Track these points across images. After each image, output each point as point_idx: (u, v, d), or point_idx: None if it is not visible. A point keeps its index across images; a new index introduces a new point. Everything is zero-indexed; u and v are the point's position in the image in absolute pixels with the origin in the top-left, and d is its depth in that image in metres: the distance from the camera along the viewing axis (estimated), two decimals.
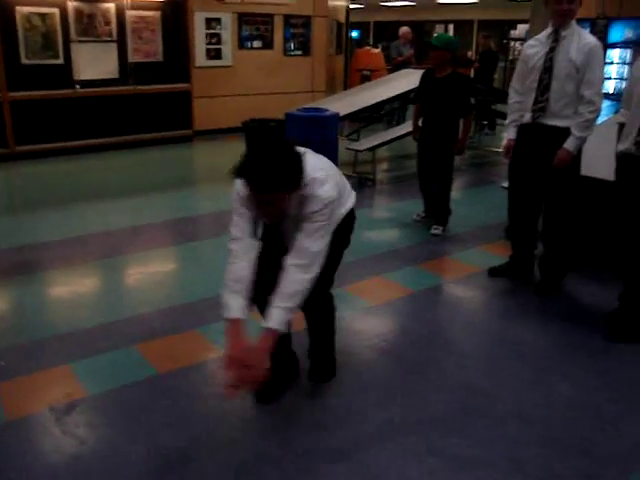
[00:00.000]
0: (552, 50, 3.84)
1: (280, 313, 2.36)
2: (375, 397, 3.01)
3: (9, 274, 4.51)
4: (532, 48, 3.99)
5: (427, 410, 2.92)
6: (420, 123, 5.62)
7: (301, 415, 2.86)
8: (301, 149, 2.41)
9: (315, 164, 2.49)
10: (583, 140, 3.89)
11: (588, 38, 3.84)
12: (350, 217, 2.83)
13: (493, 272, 4.52)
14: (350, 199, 2.84)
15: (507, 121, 4.30)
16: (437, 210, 5.62)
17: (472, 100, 5.63)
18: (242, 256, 2.48)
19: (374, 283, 4.43)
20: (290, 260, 2.41)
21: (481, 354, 3.52)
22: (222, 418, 2.84)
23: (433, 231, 5.50)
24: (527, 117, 4.03)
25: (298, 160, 2.32)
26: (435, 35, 5.93)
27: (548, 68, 3.84)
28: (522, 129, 4.11)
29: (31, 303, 4.05)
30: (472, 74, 13.38)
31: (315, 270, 2.43)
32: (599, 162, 4.29)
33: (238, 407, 2.92)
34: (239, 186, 2.44)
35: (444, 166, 5.48)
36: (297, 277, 2.38)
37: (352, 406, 2.94)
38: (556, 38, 3.84)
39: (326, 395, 3.03)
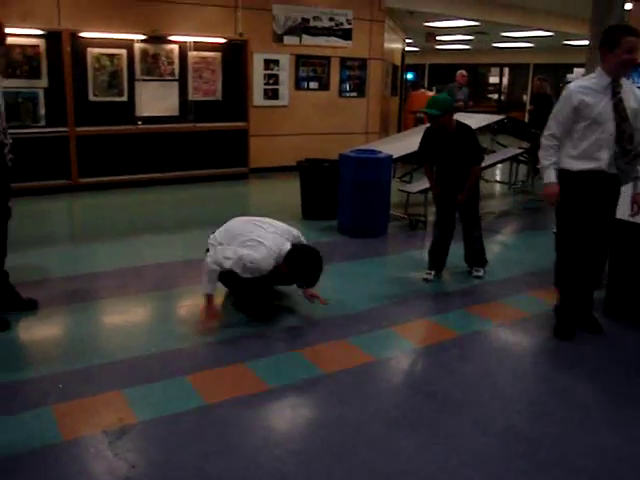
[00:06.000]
0: (621, 101, 3.75)
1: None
2: (418, 437, 3.01)
3: (66, 302, 4.68)
4: (587, 96, 3.79)
5: (470, 453, 2.92)
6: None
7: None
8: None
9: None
10: None
11: (635, 88, 3.89)
12: None
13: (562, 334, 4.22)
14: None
15: (545, 163, 3.99)
16: (474, 255, 5.50)
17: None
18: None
19: (420, 325, 4.45)
20: None
21: (527, 400, 3.49)
22: (267, 449, 2.88)
23: (475, 274, 5.45)
24: (599, 165, 3.83)
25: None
26: (430, 101, 5.23)
27: (624, 118, 3.74)
28: (592, 176, 3.87)
29: (87, 330, 4.20)
30: (526, 118, 13.34)
31: None
32: None
33: (284, 439, 2.97)
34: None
35: (473, 213, 5.42)
36: None
37: (397, 445, 2.96)
38: (616, 89, 3.75)
39: (374, 430, 3.05)
